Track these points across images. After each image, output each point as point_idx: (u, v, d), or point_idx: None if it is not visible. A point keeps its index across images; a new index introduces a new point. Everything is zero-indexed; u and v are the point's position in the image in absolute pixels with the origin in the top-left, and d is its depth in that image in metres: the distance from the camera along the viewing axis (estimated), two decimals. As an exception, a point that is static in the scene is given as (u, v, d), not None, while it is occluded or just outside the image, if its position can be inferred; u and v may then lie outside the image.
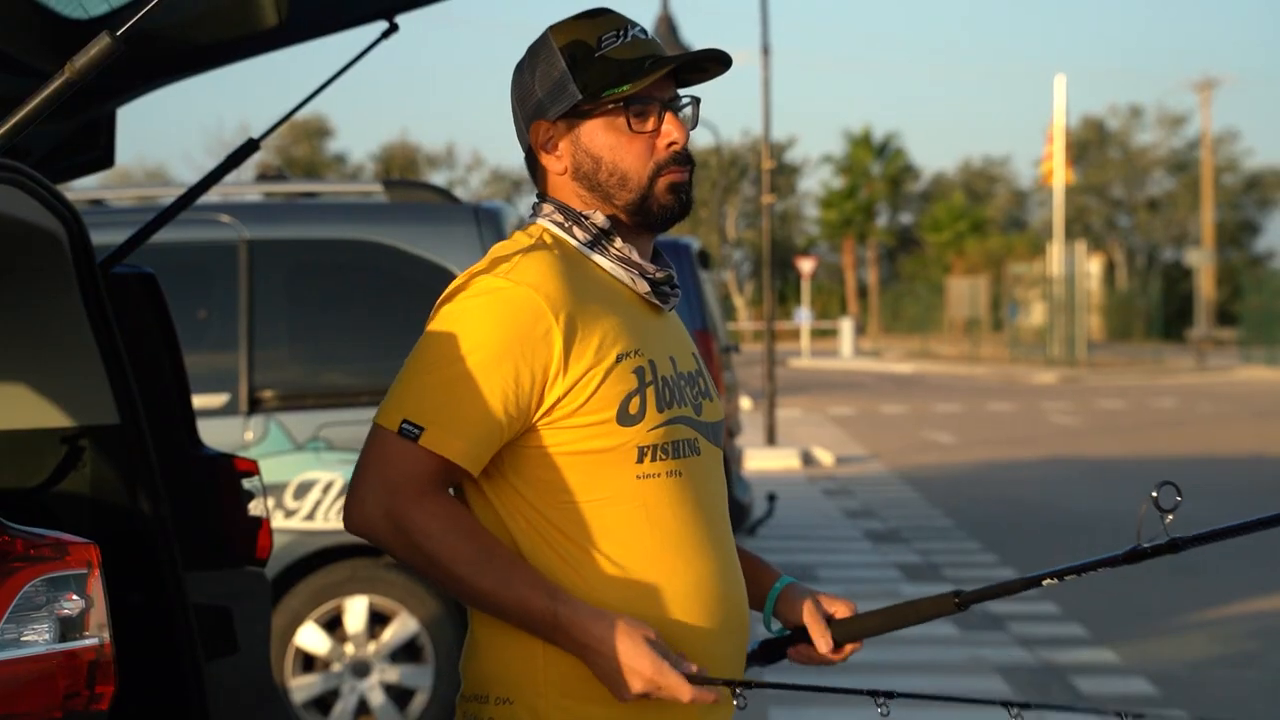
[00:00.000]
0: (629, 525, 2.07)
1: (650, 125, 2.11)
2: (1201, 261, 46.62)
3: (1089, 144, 63.01)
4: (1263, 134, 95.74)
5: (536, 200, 2.20)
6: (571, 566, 2.06)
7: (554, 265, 2.07)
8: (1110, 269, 59.10)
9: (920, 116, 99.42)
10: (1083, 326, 38.88)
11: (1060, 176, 37.56)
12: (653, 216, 2.13)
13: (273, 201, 6.46)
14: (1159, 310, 48.99)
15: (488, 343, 2.02)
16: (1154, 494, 1.89)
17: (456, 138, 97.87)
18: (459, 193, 33.60)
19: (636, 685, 1.97)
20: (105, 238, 3.86)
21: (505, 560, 2.01)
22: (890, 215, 67.64)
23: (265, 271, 5.78)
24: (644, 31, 2.15)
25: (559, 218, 2.14)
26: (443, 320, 2.06)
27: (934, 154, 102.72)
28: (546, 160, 2.15)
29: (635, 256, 2.13)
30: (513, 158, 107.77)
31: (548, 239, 2.13)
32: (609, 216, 2.13)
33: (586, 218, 2.12)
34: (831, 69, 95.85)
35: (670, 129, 2.11)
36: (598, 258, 2.12)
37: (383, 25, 3.46)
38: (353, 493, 2.05)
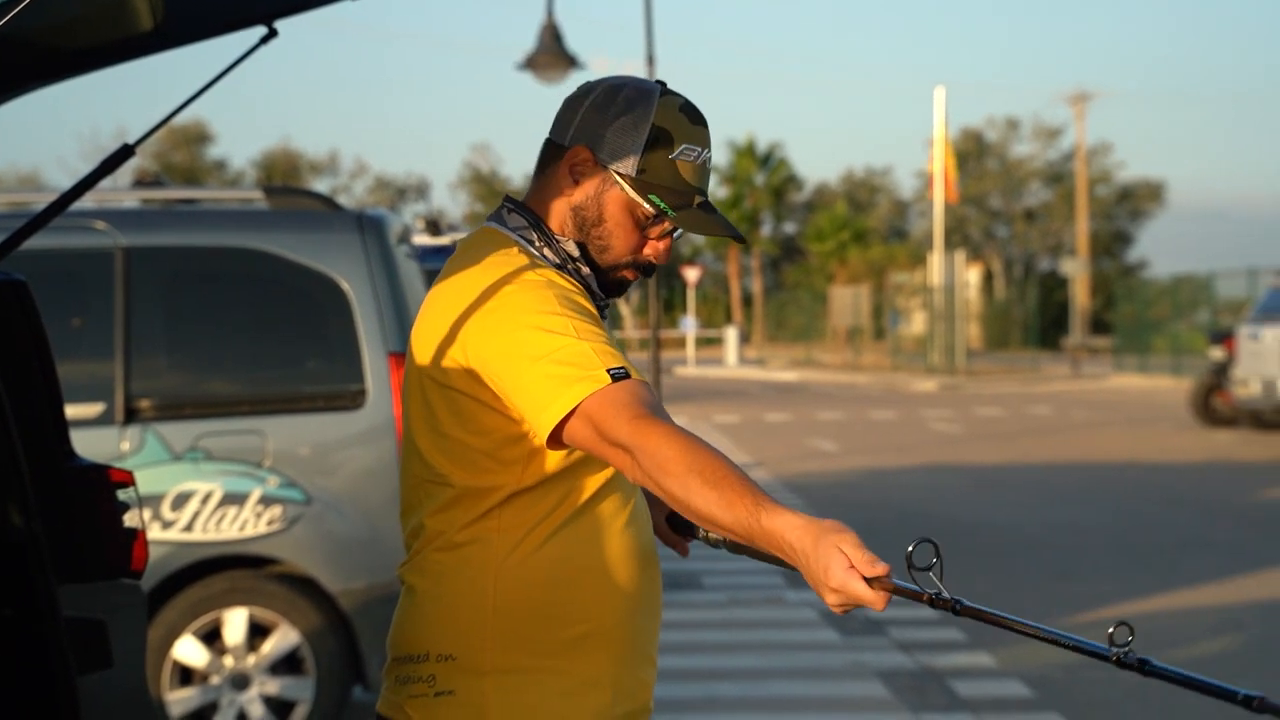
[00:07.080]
0: (616, 511, 2.21)
1: (654, 233, 2.25)
2: (1076, 271, 47.52)
3: (968, 155, 63.99)
4: (1135, 147, 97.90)
5: (511, 207, 2.29)
6: (573, 550, 2.16)
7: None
8: (988, 278, 60.12)
9: (804, 127, 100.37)
10: (962, 335, 39.50)
11: (940, 185, 38.11)
12: (595, 283, 2.26)
13: (150, 208, 6.36)
14: (1035, 319, 49.87)
15: (568, 304, 2.13)
16: (910, 549, 1.87)
17: (340, 144, 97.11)
18: (342, 200, 33.31)
19: (831, 600, 1.85)
20: (-25, 244, 3.76)
21: (722, 474, 1.94)
22: (774, 225, 68.18)
23: (142, 279, 5.69)
24: (711, 159, 2.26)
25: (532, 236, 2.26)
26: (519, 304, 2.11)
27: (817, 164, 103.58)
28: (563, 177, 2.25)
29: (595, 286, 2.27)
30: (396, 165, 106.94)
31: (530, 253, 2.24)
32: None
33: (559, 241, 2.25)
34: (716, 79, 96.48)
35: (662, 249, 2.27)
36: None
37: (261, 30, 3.42)
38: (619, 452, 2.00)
